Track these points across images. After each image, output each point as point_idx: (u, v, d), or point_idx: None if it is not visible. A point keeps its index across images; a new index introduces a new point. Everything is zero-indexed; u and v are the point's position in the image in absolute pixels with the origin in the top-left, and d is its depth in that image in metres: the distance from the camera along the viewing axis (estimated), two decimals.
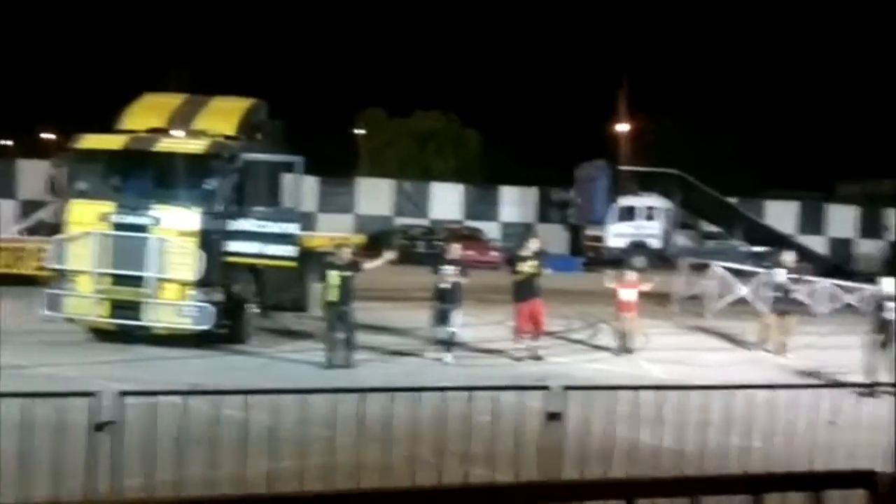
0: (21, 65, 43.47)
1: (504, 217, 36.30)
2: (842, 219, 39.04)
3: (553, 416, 5.32)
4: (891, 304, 11.29)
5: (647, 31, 51.37)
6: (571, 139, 40.68)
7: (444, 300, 12.20)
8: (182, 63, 37.61)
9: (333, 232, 20.03)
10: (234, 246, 12.15)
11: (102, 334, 12.35)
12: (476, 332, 13.98)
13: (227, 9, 48.90)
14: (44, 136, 45.12)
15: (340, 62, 49.77)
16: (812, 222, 38.24)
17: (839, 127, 47.78)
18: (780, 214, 37.23)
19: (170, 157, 12.22)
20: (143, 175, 12.49)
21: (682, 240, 32.70)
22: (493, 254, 29.98)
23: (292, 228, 12.17)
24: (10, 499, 4.81)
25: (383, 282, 17.10)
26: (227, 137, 12.71)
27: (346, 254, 11.99)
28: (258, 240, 12.10)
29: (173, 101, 13.65)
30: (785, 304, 14.30)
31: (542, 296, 12.84)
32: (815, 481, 3.85)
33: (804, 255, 20.85)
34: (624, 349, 13.42)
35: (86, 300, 11.91)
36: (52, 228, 14.51)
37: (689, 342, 15.16)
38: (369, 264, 12.39)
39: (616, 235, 31.96)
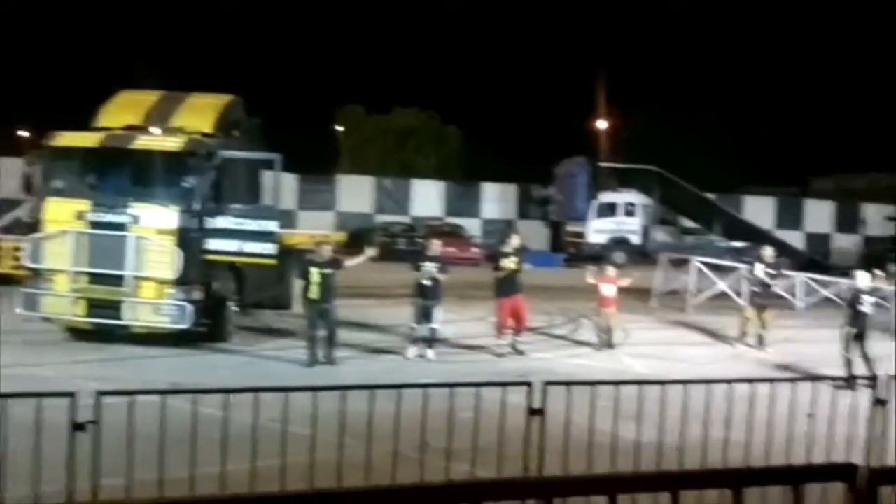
0: None
1: (485, 214, 36.36)
2: (818, 214, 39.50)
3: (535, 412, 5.34)
4: (865, 298, 11.44)
5: (625, 29, 51.63)
6: (551, 136, 40.85)
7: (426, 297, 12.20)
8: (159, 59, 37.30)
9: (314, 229, 19.95)
10: (213, 244, 12.07)
11: (80, 334, 12.23)
12: (458, 328, 13.99)
13: (205, 4, 48.56)
14: (19, 133, 44.60)
15: (319, 59, 49.61)
16: (789, 217, 38.66)
17: (813, 123, 48.35)
18: (758, 210, 37.59)
19: (147, 154, 12.11)
20: (120, 173, 12.37)
21: (661, 235, 32.93)
22: (474, 250, 30.02)
23: (271, 226, 12.11)
24: None
25: (364, 279, 17.06)
26: (205, 135, 12.62)
27: (327, 251, 11.96)
28: (237, 237, 12.03)
29: (150, 98, 13.53)
30: (763, 299, 14.45)
31: (523, 292, 12.88)
32: (795, 475, 3.88)
33: (782, 249, 21.07)
34: (605, 344, 13.49)
35: (63, 299, 11.79)
36: (29, 227, 14.32)
37: (669, 337, 15.26)
38: (350, 261, 12.36)
39: (596, 231, 32.12)
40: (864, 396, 6.35)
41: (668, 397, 5.77)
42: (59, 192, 12.24)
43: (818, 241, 37.90)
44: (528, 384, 5.39)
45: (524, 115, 46.25)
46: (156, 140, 12.36)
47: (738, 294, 16.68)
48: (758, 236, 29.59)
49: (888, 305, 18.21)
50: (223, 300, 12.58)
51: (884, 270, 14.68)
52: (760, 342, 14.18)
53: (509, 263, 12.71)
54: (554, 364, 12.14)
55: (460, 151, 44.60)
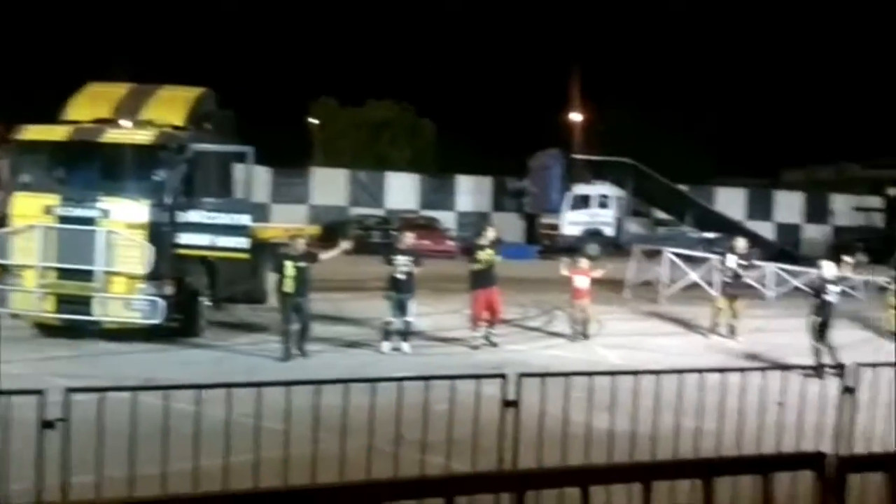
0: None
1: (460, 206, 36.36)
2: (788, 205, 40.00)
3: (509, 404, 5.35)
4: (831, 287, 11.63)
5: (599, 22, 51.83)
6: (526, 128, 40.94)
7: (400, 290, 12.18)
8: (129, 51, 36.79)
9: (288, 223, 19.83)
10: (184, 238, 11.95)
11: (50, 330, 12.07)
12: (433, 321, 13.99)
13: None
14: None
15: (292, 51, 49.11)
16: (760, 208, 39.10)
17: (783, 115, 48.95)
18: (730, 201, 37.99)
19: (116, 148, 11.96)
20: (89, 167, 12.19)
21: (634, 227, 33.15)
22: (449, 243, 30.01)
23: (244, 219, 12.02)
24: None
25: (339, 272, 17.00)
26: (176, 128, 12.48)
27: (302, 244, 11.89)
28: (209, 231, 11.92)
29: (119, 90, 13.34)
30: (734, 289, 14.62)
31: (498, 284, 12.91)
32: (765, 464, 3.93)
33: (753, 240, 21.32)
34: (580, 335, 13.57)
35: (31, 295, 11.64)
36: None
37: (642, 327, 15.39)
38: (325, 255, 12.31)
39: (571, 223, 32.26)
40: (832, 385, 6.44)
41: (641, 387, 5.81)
42: (27, 187, 12.05)
43: (788, 232, 38.38)
44: (503, 376, 5.40)
45: (498, 107, 46.31)
46: (126, 133, 12.20)
47: (710, 284, 16.85)
48: (729, 227, 29.91)
49: (855, 294, 18.55)
50: (195, 295, 12.47)
51: (853, 258, 14.91)
52: (732, 332, 14.35)
53: (485, 256, 12.73)
54: (528, 356, 12.19)
55: (435, 144, 44.52)
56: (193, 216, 11.93)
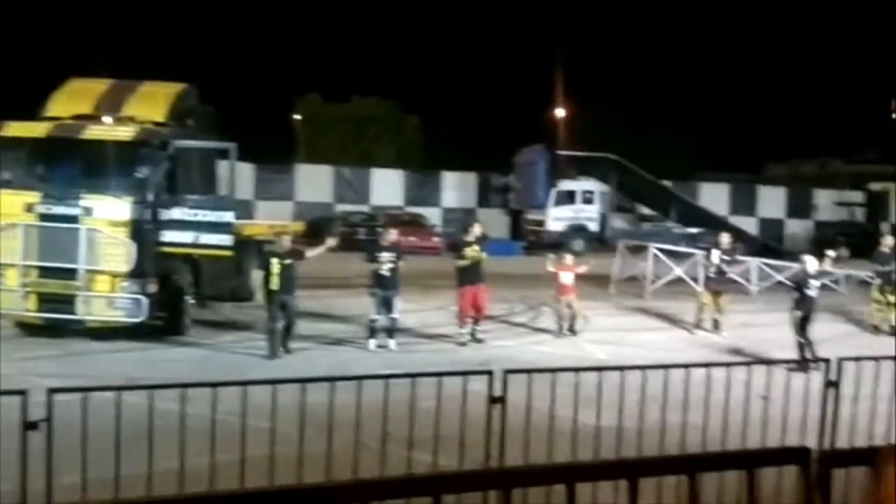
0: None
1: (445, 202, 36.33)
2: (772, 200, 40.26)
3: (496, 400, 5.35)
4: (812, 282, 11.72)
5: (583, 18, 51.92)
6: (510, 125, 40.93)
7: (385, 287, 12.15)
8: (110, 46, 36.44)
9: (273, 219, 19.74)
10: (167, 235, 11.87)
11: (33, 329, 11.96)
12: (419, 317, 13.98)
13: None
14: None
15: (276, 47, 48.86)
16: (744, 203, 39.32)
17: (767, 110, 49.26)
18: (713, 196, 38.18)
19: (98, 144, 11.85)
20: (71, 164, 12.09)
21: (619, 223, 33.26)
22: (435, 239, 29.99)
23: (227, 216, 11.95)
24: None
25: (325, 269, 16.94)
26: (157, 124, 12.39)
27: (287, 241, 11.84)
28: (192, 229, 11.85)
29: (100, 86, 13.22)
30: (719, 284, 14.70)
31: (485, 280, 12.91)
32: (750, 459, 3.95)
33: (737, 235, 21.42)
34: (568, 331, 13.61)
35: (13, 294, 11.52)
36: None
37: (628, 323, 15.44)
38: (310, 252, 12.26)
39: (556, 219, 32.33)
40: (816, 379, 6.48)
41: (627, 383, 5.82)
42: (7, 185, 11.91)
43: (771, 227, 38.63)
44: (489, 372, 5.40)
45: (483, 103, 46.28)
46: (107, 130, 12.09)
47: (695, 280, 16.94)
48: (713, 222, 30.05)
49: (837, 288, 18.70)
50: (179, 293, 12.39)
51: (835, 253, 15.02)
52: (716, 326, 14.43)
53: (471, 252, 12.73)
54: (515, 352, 12.21)
55: (420, 140, 44.46)
56: (176, 213, 11.85)
